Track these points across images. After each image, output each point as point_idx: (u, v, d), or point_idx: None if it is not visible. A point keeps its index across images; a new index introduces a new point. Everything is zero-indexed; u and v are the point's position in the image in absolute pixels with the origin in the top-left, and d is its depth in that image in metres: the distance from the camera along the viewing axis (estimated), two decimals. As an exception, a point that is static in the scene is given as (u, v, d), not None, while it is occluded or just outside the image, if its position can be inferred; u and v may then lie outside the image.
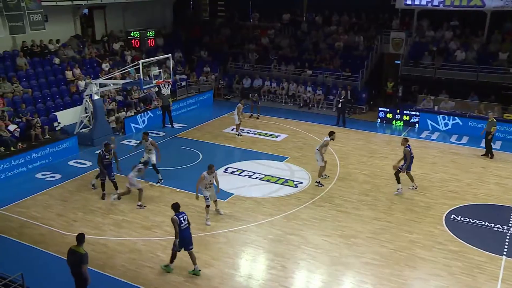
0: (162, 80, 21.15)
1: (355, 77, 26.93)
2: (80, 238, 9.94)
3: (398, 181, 16.02)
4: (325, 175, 17.21)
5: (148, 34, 26.81)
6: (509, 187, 16.72)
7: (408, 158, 15.82)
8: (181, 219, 11.32)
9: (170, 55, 22.58)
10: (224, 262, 12.17)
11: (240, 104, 21.95)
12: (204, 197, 13.83)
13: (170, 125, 23.37)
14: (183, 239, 11.31)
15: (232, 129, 22.70)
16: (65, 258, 10.23)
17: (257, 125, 23.30)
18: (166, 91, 22.31)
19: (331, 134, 16.87)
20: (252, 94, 25.58)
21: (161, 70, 21.79)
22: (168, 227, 13.72)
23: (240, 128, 22.08)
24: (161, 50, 28.13)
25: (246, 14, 35.63)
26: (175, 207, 11.49)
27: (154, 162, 16.64)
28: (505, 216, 14.58)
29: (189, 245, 11.43)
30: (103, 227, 13.82)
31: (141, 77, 20.17)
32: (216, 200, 14.42)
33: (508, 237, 13.35)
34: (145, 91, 24.11)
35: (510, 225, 14.03)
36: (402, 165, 15.95)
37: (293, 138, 21.74)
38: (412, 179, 16.33)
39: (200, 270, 11.62)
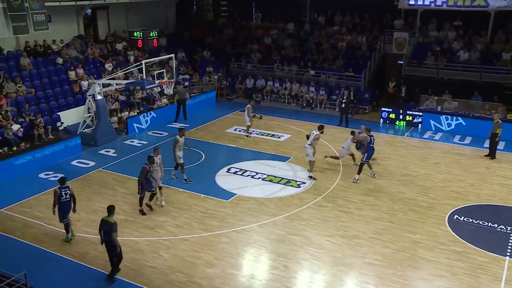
0: (165, 80, 21.16)
1: (358, 78, 26.91)
2: (111, 209, 11.29)
3: (359, 171, 16.99)
4: (314, 171, 17.49)
5: (151, 34, 26.79)
6: (513, 187, 16.68)
7: (364, 146, 16.87)
8: (63, 193, 12.72)
9: (173, 55, 22.60)
10: (227, 262, 12.17)
11: (249, 105, 21.83)
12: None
13: (183, 118, 24.29)
14: (60, 210, 12.77)
15: (235, 129, 22.73)
16: (67, 258, 10.52)
17: (259, 125, 23.29)
18: (169, 91, 22.31)
19: (321, 128, 17.29)
20: (255, 94, 25.59)
21: (164, 70, 21.82)
22: (170, 227, 13.78)
23: (244, 128, 22.07)
24: (164, 50, 28.17)
25: (249, 14, 35.65)
26: (61, 181, 12.88)
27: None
28: (508, 217, 14.54)
29: (64, 218, 12.85)
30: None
31: (144, 77, 20.20)
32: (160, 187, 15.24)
33: (511, 238, 13.30)
34: (147, 91, 24.14)
35: (513, 225, 14.01)
36: (363, 156, 16.95)
37: (296, 138, 21.72)
38: (370, 167, 17.27)
39: (71, 239, 13.01)
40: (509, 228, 13.83)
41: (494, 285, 11.29)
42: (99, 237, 11.38)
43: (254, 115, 24.64)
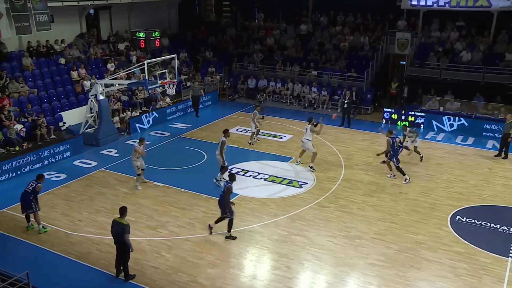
0: (167, 81, 21.18)
1: (360, 78, 26.88)
2: (123, 210, 11.31)
3: (403, 173, 17.07)
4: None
5: (154, 35, 26.85)
6: (515, 188, 16.65)
7: (387, 147, 17.06)
8: (29, 184, 13.55)
9: (175, 55, 22.65)
10: (229, 262, 12.17)
11: (255, 111, 21.11)
12: (136, 167, 16.03)
13: (195, 115, 24.96)
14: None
15: (238, 129, 22.76)
16: (70, 258, 10.85)
17: (262, 126, 23.27)
18: (171, 91, 22.34)
19: (310, 120, 17.92)
20: (260, 94, 25.60)
21: (166, 70, 21.84)
22: (173, 227, 13.78)
23: (246, 128, 22.01)
24: (166, 51, 28.20)
25: (251, 14, 35.65)
26: (39, 177, 13.58)
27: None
28: (510, 218, 14.50)
29: (22, 209, 13.50)
30: (108, 227, 13.65)
31: (146, 78, 20.22)
32: (144, 169, 16.28)
33: (514, 239, 13.31)
34: (150, 91, 24.17)
35: (516, 226, 13.98)
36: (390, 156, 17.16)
37: (298, 138, 21.63)
38: (390, 168, 17.41)
39: (45, 230, 13.46)
40: (511, 229, 13.80)
41: (497, 286, 11.26)
42: (100, 237, 11.40)
43: (263, 116, 24.39)
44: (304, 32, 31.26)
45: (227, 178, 13.58)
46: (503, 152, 19.47)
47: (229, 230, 13.22)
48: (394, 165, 17.05)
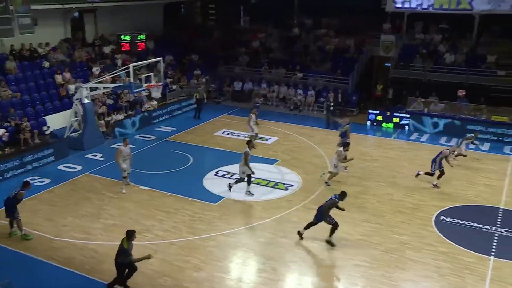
0: (152, 84, 21.10)
1: (346, 80, 27.02)
2: (129, 234, 10.81)
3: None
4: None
5: (139, 38, 26.77)
6: (498, 188, 16.85)
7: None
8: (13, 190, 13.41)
9: (160, 58, 22.56)
10: (214, 266, 12.14)
11: (251, 114, 21.15)
12: (122, 169, 15.88)
13: (197, 118, 25.07)
14: None
15: (223, 132, 22.79)
16: (53, 263, 10.81)
17: (247, 128, 23.25)
18: (156, 94, 22.26)
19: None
20: (257, 97, 25.50)
21: (151, 73, 21.75)
22: (158, 231, 13.72)
23: (232, 131, 22.00)
24: (152, 54, 28.08)
25: (237, 17, 35.69)
26: (25, 184, 13.48)
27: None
28: (493, 217, 14.69)
29: (6, 214, 13.42)
30: (92, 231, 13.74)
31: (132, 81, 20.13)
32: (129, 172, 16.22)
33: (496, 238, 13.46)
34: (135, 94, 24.04)
35: (498, 225, 14.14)
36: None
37: (284, 141, 21.77)
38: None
39: (28, 238, 13.19)
40: (493, 228, 13.99)
41: (480, 285, 11.39)
42: (84, 242, 11.26)
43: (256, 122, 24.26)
44: (294, 34, 31.38)
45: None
46: None
47: (330, 235, 13.08)
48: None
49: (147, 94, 24.68)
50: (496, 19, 26.42)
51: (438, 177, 16.81)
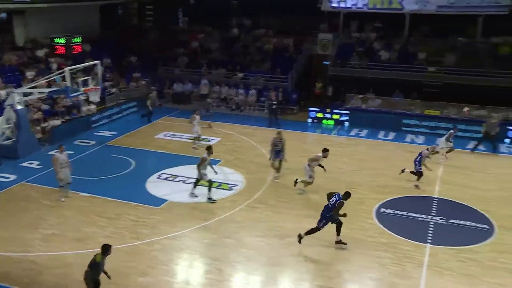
0: (90, 88, 20.54)
1: (286, 79, 27.39)
2: (104, 248, 10.25)
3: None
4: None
5: (74, 40, 25.90)
6: (431, 179, 17.62)
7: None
8: None
9: (98, 61, 21.99)
10: (160, 270, 11.98)
11: (194, 115, 20.92)
12: (59, 179, 15.27)
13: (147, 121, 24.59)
14: None
15: (165, 135, 22.50)
16: None
17: (188, 130, 23.08)
18: (95, 98, 21.69)
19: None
20: (205, 101, 25.31)
21: (89, 77, 21.16)
22: (101, 238, 13.36)
23: (173, 133, 21.78)
24: (89, 56, 27.29)
25: (175, 18, 35.36)
26: None
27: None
28: (428, 206, 15.40)
29: None
30: (31, 242, 13.18)
31: (68, 85, 19.51)
32: (70, 183, 15.52)
33: (431, 226, 14.13)
34: (72, 99, 23.30)
35: (433, 214, 14.85)
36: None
37: (226, 141, 21.81)
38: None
39: None
40: (429, 216, 14.67)
41: (417, 272, 11.88)
42: (21, 254, 10.75)
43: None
44: (233, 35, 31.45)
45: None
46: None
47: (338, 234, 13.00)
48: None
49: (85, 98, 23.99)
50: (425, 19, 27.70)
51: (418, 178, 17.06)
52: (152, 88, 28.66)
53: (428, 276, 11.69)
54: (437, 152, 18.33)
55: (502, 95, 23.28)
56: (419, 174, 16.97)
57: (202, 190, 16.30)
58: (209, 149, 16.04)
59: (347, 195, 12.90)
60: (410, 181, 17.18)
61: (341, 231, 13.00)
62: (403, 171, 17.39)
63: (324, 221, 12.86)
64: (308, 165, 16.21)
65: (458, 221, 14.40)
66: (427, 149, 17.49)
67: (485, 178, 17.94)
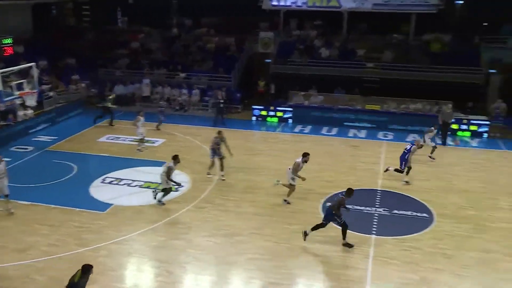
0: (25, 91, 19.73)
1: (228, 78, 27.41)
2: (84, 269, 9.77)
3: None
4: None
5: (5, 41, 24.79)
6: (375, 171, 18.20)
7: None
8: None
9: (34, 63, 21.13)
10: (108, 276, 11.68)
11: (139, 116, 20.33)
12: None
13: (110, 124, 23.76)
14: None
15: (108, 138, 22.00)
16: None
17: (132, 132, 22.64)
18: (31, 102, 20.85)
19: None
20: (161, 103, 24.95)
21: (24, 80, 20.31)
22: (44, 247, 12.87)
23: (116, 136, 21.30)
24: (23, 58, 26.17)
25: (114, 18, 34.56)
26: None
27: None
28: (372, 199, 15.89)
29: None
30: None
31: (1, 89, 18.64)
32: (7, 195, 14.40)
33: (375, 217, 14.59)
34: (6, 103, 22.24)
35: (377, 206, 15.34)
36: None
37: (171, 142, 21.56)
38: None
39: None
40: (373, 208, 15.13)
41: (364, 263, 12.22)
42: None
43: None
44: (174, 34, 31.10)
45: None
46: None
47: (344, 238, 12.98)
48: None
49: (21, 102, 22.99)
50: (363, 17, 28.54)
51: (407, 173, 17.26)
52: (93, 90, 27.98)
53: (374, 266, 12.05)
54: (421, 147, 18.04)
55: (435, 89, 24.41)
56: (408, 169, 17.14)
57: (147, 193, 16.07)
58: (175, 158, 15.41)
59: (349, 192, 13.03)
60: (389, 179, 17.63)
61: (288, 226, 13.13)
62: (387, 170, 17.48)
63: (327, 216, 13.05)
64: (292, 174, 15.21)
65: (400, 212, 14.95)
66: (414, 144, 17.40)
67: (424, 170, 18.69)
